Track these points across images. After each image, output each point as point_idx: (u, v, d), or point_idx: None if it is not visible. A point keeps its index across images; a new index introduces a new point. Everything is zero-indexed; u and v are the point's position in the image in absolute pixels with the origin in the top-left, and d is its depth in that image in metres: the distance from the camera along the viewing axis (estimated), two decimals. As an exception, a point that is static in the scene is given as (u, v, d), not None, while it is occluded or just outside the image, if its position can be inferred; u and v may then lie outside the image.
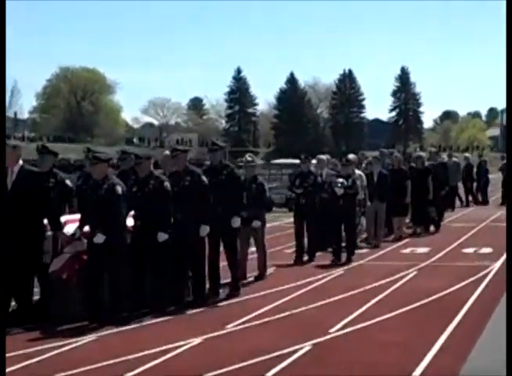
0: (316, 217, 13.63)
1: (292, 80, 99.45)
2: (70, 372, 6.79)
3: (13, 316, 8.76)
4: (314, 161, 14.77)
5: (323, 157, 15.31)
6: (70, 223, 9.33)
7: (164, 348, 7.56)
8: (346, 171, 13.80)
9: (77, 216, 9.34)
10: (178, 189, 9.80)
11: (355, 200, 13.78)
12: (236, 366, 6.89)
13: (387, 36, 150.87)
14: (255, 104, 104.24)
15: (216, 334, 8.22)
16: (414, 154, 19.41)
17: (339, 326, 8.33)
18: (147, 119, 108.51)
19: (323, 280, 11.46)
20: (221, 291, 10.40)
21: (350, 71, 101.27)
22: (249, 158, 12.05)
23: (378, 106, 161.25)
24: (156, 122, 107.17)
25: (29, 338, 8.11)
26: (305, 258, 13.49)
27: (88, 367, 6.93)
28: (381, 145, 50.54)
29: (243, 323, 8.72)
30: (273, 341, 7.78)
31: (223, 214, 10.26)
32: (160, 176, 9.73)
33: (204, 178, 10.06)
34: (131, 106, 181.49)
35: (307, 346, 7.51)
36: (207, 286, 10.28)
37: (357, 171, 14.83)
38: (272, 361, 7.00)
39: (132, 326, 8.69)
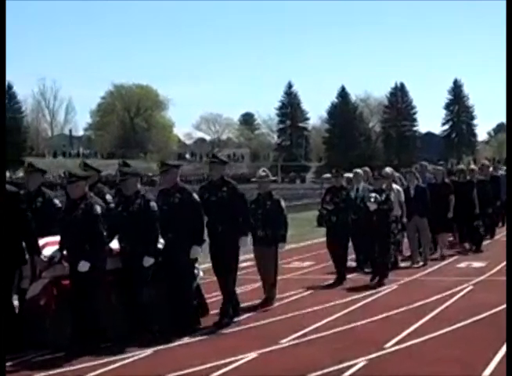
0: (348, 235, 13.01)
1: (343, 94, 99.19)
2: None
3: None
4: (349, 175, 14.30)
5: (360, 170, 14.70)
6: (50, 246, 8.66)
7: (221, 362, 7.62)
8: (379, 185, 12.99)
9: (57, 238, 8.61)
10: (167, 207, 9.20)
11: (388, 217, 12.82)
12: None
13: (439, 48, 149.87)
14: (307, 118, 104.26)
15: (270, 348, 8.26)
16: (456, 167, 18.50)
17: (394, 341, 8.31)
18: (199, 134, 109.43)
19: (375, 296, 11.38)
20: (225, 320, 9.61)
21: (402, 85, 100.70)
22: (262, 173, 11.12)
23: (431, 120, 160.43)
24: (208, 137, 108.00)
25: (75, 358, 8.07)
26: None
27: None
28: (434, 158, 50.12)
29: (297, 338, 8.74)
30: (328, 356, 7.78)
31: (223, 233, 9.58)
32: (145, 195, 9.02)
33: (195, 196, 9.36)
34: (184, 122, 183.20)
35: (362, 362, 7.50)
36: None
37: (394, 186, 14.12)
38: (327, 377, 7.03)
39: (186, 341, 8.77)
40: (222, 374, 7.26)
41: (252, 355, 7.95)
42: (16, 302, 8.67)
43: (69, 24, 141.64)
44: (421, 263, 14.56)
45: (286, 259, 16.04)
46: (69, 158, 79.19)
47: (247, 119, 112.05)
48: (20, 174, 46.66)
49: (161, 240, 9.11)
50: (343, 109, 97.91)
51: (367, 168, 15.32)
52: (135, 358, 8.00)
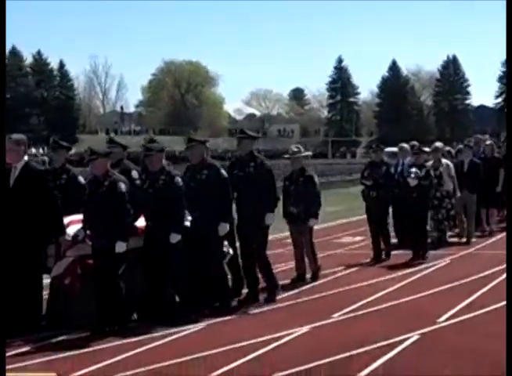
0: (388, 211, 12.73)
1: (394, 68, 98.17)
2: (183, 359, 6.97)
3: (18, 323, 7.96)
4: (393, 149, 13.99)
5: (405, 145, 14.22)
6: (74, 224, 8.53)
7: (274, 335, 7.67)
8: (419, 160, 12.48)
9: (81, 216, 8.49)
10: (194, 184, 9.05)
11: (428, 193, 12.43)
12: (344, 355, 6.94)
13: (492, 20, 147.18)
14: (357, 93, 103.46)
15: (323, 323, 8.28)
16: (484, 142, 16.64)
17: (447, 315, 8.28)
18: (249, 110, 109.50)
19: (426, 271, 11.29)
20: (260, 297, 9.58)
21: (454, 57, 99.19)
22: (295, 149, 10.96)
23: (484, 92, 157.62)
24: (258, 113, 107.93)
25: (139, 329, 8.22)
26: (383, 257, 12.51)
27: (198, 355, 7.08)
28: (488, 132, 49.38)
29: (349, 312, 8.76)
30: (380, 330, 7.78)
31: (251, 211, 9.40)
32: (171, 171, 8.79)
33: (223, 171, 9.15)
34: (234, 98, 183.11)
35: (415, 336, 7.50)
36: (244, 291, 9.71)
37: (444, 161, 13.83)
38: (380, 350, 7.03)
39: (239, 315, 8.85)
40: (275, 348, 7.31)
41: (304, 329, 7.98)
42: (47, 280, 8.62)
43: (120, 2, 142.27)
44: (465, 239, 14.21)
45: (336, 234, 16.09)
46: (120, 135, 79.79)
47: (297, 94, 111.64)
48: (73, 151, 47.22)
49: (189, 218, 8.94)
50: (394, 83, 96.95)
51: (416, 142, 14.82)
52: (187, 332, 8.08)
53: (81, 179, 9.26)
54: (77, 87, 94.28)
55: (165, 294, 8.55)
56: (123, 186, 8.20)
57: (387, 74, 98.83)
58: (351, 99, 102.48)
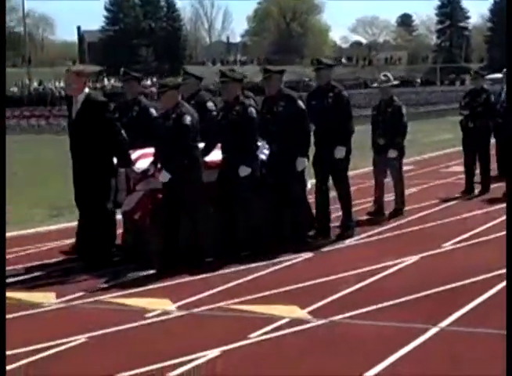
0: (489, 142, 11.90)
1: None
2: (286, 288, 7.07)
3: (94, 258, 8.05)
4: (498, 75, 13.13)
5: None
6: (144, 158, 8.29)
7: (382, 265, 7.70)
8: None
9: (152, 150, 8.25)
10: (271, 116, 8.72)
11: None
12: (455, 284, 6.92)
13: None
14: (467, 17, 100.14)
15: (433, 252, 8.26)
16: None
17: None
18: (355, 38, 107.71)
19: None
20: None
21: None
22: (383, 78, 10.46)
23: None
24: (364, 41, 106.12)
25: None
26: (477, 190, 11.92)
27: (303, 284, 7.17)
28: None
29: (460, 242, 8.70)
30: (492, 260, 7.67)
31: (327, 143, 9.03)
32: (245, 101, 8.43)
33: (300, 103, 8.75)
34: (340, 25, 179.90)
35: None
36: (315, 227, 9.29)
37: None
38: (491, 280, 6.98)
39: (347, 243, 8.90)
40: (382, 278, 7.35)
41: (414, 258, 7.98)
42: (119, 216, 8.59)
43: None
44: None
45: (445, 163, 15.84)
46: (227, 65, 80.00)
47: (405, 20, 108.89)
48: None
49: (266, 152, 8.74)
50: (507, 5, 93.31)
51: None
52: (295, 261, 8.19)
53: (153, 111, 9.04)
54: (183, 17, 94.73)
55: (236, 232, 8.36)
56: (188, 119, 7.88)
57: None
58: (461, 24, 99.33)
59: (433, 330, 5.73)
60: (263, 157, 8.69)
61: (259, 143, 8.61)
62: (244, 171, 8.21)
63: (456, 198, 11.64)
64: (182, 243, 7.97)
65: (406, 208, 10.61)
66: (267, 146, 8.74)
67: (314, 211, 9.36)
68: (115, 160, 8.21)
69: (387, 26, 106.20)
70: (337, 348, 5.49)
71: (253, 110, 8.35)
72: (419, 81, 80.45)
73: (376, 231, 9.45)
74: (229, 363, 5.28)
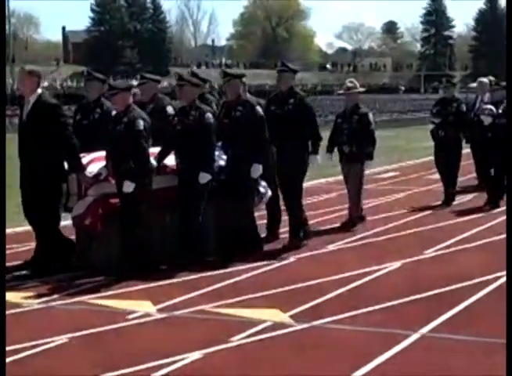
0: (459, 152, 11.53)
1: (492, 0, 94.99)
2: (269, 291, 7.06)
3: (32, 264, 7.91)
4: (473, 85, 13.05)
5: (485, 79, 12.97)
6: (97, 161, 7.96)
7: (364, 270, 7.71)
8: (497, 96, 11.44)
9: (104, 153, 7.93)
10: (229, 121, 8.50)
11: (506, 133, 10.75)
12: (437, 291, 6.93)
13: None
14: (452, 26, 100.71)
15: (415, 258, 8.27)
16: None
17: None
18: (341, 44, 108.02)
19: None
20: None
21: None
22: (349, 84, 10.16)
23: None
24: (349, 47, 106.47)
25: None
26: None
27: (285, 288, 7.16)
28: None
29: (442, 248, 8.72)
30: (473, 267, 7.73)
31: (289, 150, 8.75)
32: (201, 106, 8.16)
33: (259, 109, 8.48)
34: (325, 32, 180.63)
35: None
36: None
37: None
38: (473, 287, 7.00)
39: (330, 249, 8.89)
40: (368, 281, 7.35)
41: (396, 264, 8.00)
42: (67, 222, 8.41)
43: None
44: None
45: (429, 170, 15.87)
46: (212, 68, 79.97)
47: (390, 27, 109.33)
48: (165, 83, 47.63)
49: (224, 157, 8.50)
50: (491, 16, 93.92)
51: (492, 77, 13.33)
52: (279, 264, 8.20)
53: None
54: (169, 20, 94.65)
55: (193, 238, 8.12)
56: (141, 124, 7.64)
57: (484, 6, 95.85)
58: (446, 33, 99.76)
59: (414, 337, 5.73)
60: (222, 162, 8.49)
61: (218, 148, 8.45)
62: (204, 177, 7.96)
63: (440, 205, 11.63)
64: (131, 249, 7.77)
65: (392, 214, 10.65)
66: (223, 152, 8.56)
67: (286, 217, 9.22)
68: (66, 164, 7.91)
69: (373, 32, 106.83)
70: (317, 353, 5.48)
71: (210, 116, 8.09)
72: (403, 88, 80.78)
73: (358, 236, 9.46)
74: (210, 366, 5.26)
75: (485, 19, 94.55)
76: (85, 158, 7.97)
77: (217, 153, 8.37)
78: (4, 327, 5.19)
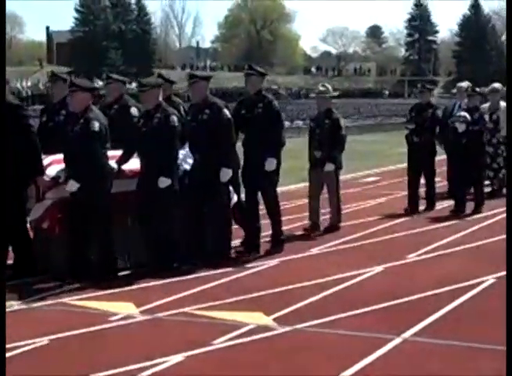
0: (433, 159, 11.39)
1: (476, 6, 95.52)
2: (252, 294, 7.06)
3: (12, 269, 7.73)
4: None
5: (464, 84, 12.70)
6: (56, 164, 7.75)
7: (347, 274, 7.71)
8: (472, 102, 11.48)
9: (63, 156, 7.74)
10: (196, 124, 8.34)
11: (481, 139, 11.30)
12: (420, 295, 6.95)
13: None
14: (436, 31, 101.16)
15: (397, 263, 8.28)
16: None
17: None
18: (325, 48, 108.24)
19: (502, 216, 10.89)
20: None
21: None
22: (321, 88, 9.98)
23: None
24: (334, 51, 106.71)
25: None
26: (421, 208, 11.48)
27: (268, 291, 7.16)
28: None
29: (425, 253, 8.73)
30: (456, 272, 7.75)
31: (256, 155, 8.57)
32: (167, 109, 7.96)
33: (226, 112, 8.31)
34: (310, 36, 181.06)
35: (491, 279, 7.44)
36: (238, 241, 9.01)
37: (502, 104, 12.40)
38: (456, 292, 7.02)
39: (313, 252, 8.89)
40: (351, 285, 7.36)
41: (378, 268, 8.00)
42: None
43: None
44: None
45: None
46: (196, 70, 79.93)
47: (375, 32, 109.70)
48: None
49: (189, 161, 8.37)
50: (475, 22, 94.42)
51: (468, 82, 12.86)
52: (259, 268, 8.18)
53: None
54: (153, 21, 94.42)
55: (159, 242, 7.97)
56: (96, 125, 7.44)
57: (468, 12, 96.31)
58: (430, 38, 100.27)
59: (396, 341, 5.74)
60: (186, 166, 8.37)
61: (183, 152, 8.32)
62: (164, 182, 7.73)
63: (424, 210, 11.55)
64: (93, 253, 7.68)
65: (374, 218, 10.67)
66: (191, 155, 8.40)
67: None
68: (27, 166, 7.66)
69: (357, 37, 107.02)
70: (300, 357, 5.48)
71: (175, 119, 7.89)
72: (387, 92, 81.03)
73: (341, 241, 9.46)
74: (192, 369, 5.25)
75: (469, 25, 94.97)
76: (44, 160, 7.78)
77: (181, 156, 8.26)
78: (4, 327, 5.14)
